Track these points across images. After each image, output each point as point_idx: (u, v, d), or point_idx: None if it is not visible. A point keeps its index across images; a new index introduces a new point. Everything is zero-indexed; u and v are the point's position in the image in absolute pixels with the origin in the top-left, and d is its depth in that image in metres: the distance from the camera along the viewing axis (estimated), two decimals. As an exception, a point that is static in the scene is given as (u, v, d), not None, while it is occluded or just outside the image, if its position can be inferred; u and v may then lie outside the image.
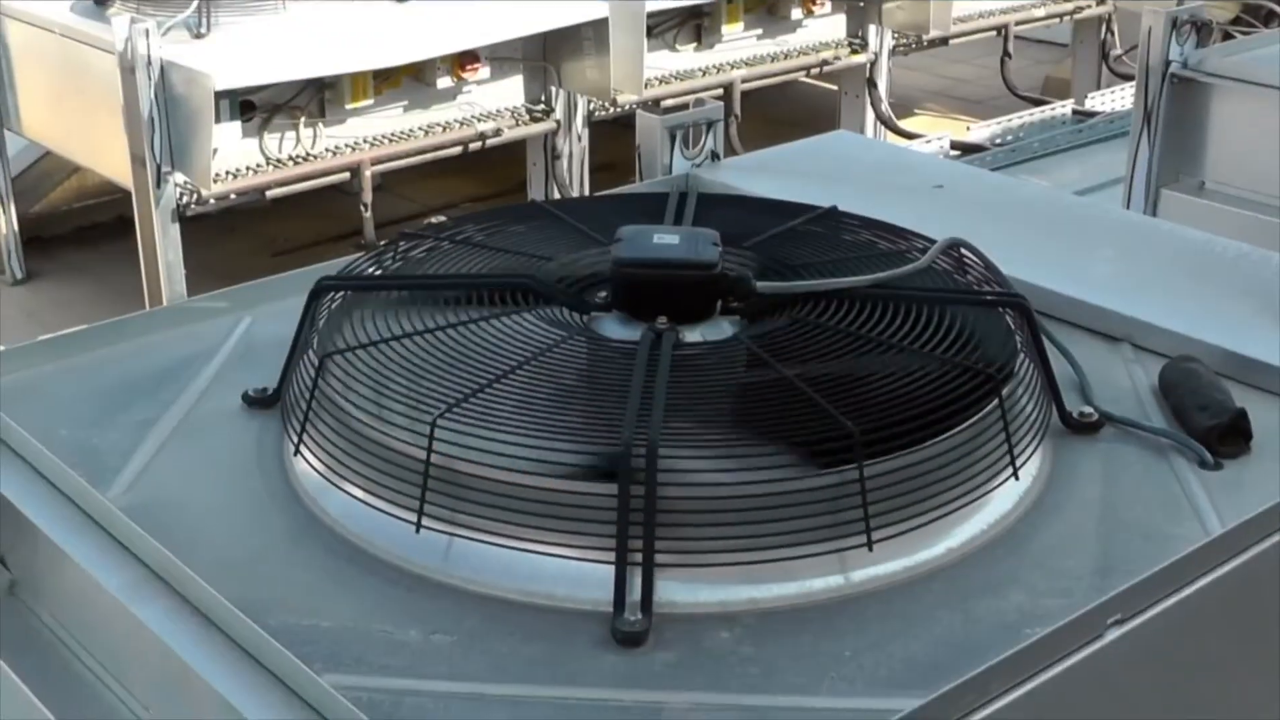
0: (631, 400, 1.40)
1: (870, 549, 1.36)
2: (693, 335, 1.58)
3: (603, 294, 1.66)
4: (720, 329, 1.60)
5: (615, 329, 1.60)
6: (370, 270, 1.77)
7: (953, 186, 2.30)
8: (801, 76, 6.52)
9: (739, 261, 1.73)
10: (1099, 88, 6.75)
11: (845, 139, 2.79)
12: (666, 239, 1.63)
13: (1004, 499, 1.48)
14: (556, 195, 5.61)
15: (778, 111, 7.14)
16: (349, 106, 5.06)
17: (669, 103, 5.69)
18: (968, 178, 2.44)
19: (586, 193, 5.61)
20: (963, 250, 1.78)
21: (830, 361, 1.50)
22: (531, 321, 1.60)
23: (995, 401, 1.48)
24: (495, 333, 1.57)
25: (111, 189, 5.52)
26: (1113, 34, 7.26)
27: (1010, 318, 1.66)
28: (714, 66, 6.10)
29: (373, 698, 1.23)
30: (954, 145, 5.22)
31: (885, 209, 1.94)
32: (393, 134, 5.22)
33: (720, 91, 5.96)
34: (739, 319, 1.62)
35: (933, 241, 1.77)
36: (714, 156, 2.35)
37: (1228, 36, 4.25)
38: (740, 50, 6.17)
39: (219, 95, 4.50)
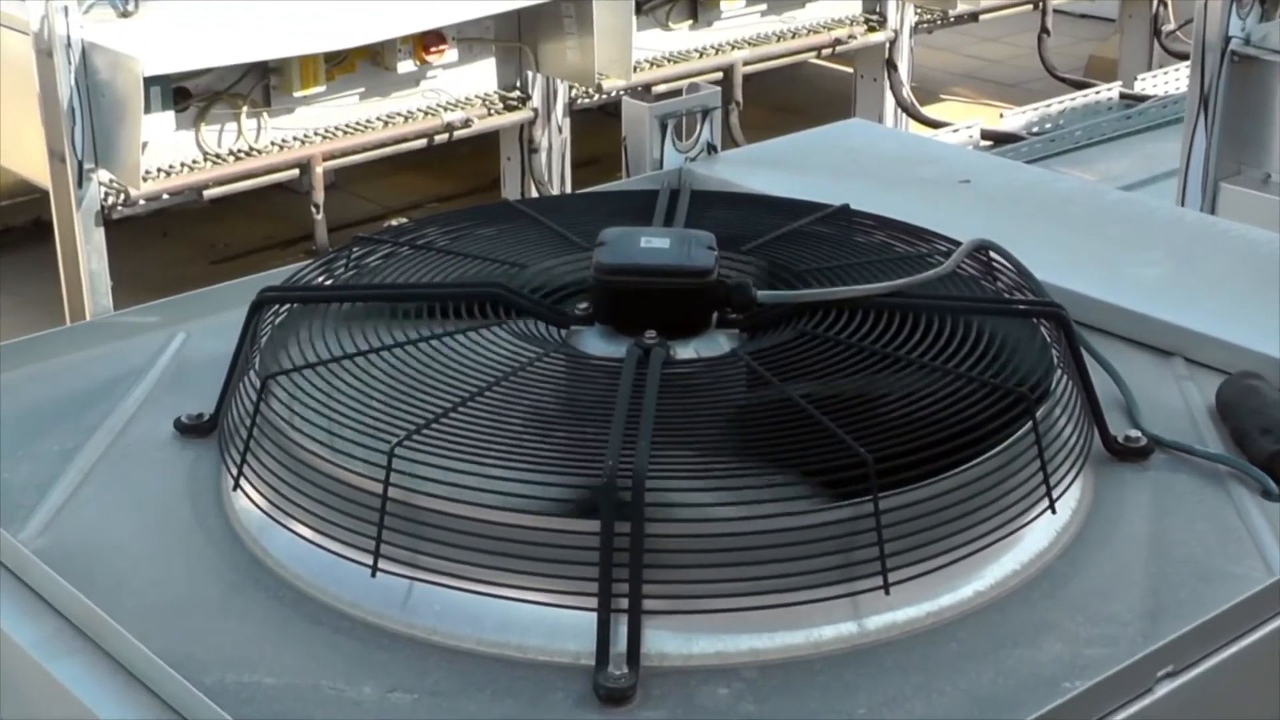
0: (615, 425, 1.40)
1: (887, 592, 1.37)
2: (685, 351, 1.58)
3: (583, 305, 1.67)
4: (716, 344, 1.61)
5: (597, 344, 1.61)
6: (319, 279, 1.78)
7: (981, 181, 2.31)
8: (811, 58, 6.55)
9: (738, 267, 1.74)
10: (1150, 68, 6.78)
11: (859, 128, 2.81)
12: (655, 242, 1.64)
13: (1039, 535, 1.49)
14: (534, 194, 5.62)
15: (784, 98, 7.16)
16: (297, 94, 5.07)
17: (661, 88, 5.70)
18: (998, 171, 2.45)
19: (567, 191, 5.62)
20: (991, 253, 1.79)
21: (841, 380, 1.51)
22: (502, 337, 1.61)
23: (1029, 424, 1.49)
24: (461, 350, 1.58)
25: (27, 189, 5.52)
26: (1165, 6, 7.29)
27: (1046, 329, 1.67)
28: (712, 47, 6.12)
29: (322, 765, 1.23)
30: (984, 135, 5.24)
31: (904, 207, 1.95)
32: (347, 125, 5.23)
33: (719, 75, 5.98)
34: (737, 333, 1.63)
35: (957, 243, 1.78)
36: (710, 149, 2.36)
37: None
38: (742, 28, 6.19)
39: (149, 82, 4.50)
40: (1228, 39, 3.49)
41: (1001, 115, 5.48)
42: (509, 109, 5.55)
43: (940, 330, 1.60)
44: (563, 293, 1.73)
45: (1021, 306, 1.71)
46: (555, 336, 1.65)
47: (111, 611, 1.37)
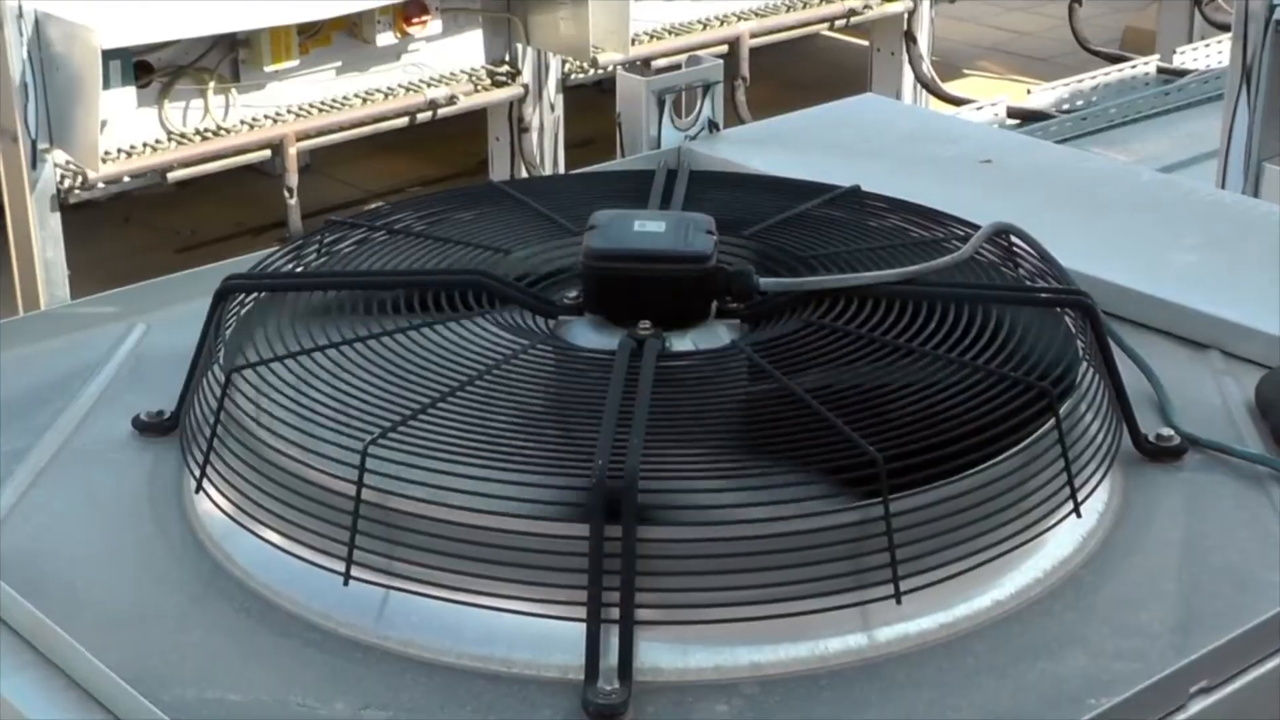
0: (606, 422, 1.41)
1: (898, 602, 1.37)
2: (682, 343, 1.59)
3: (572, 294, 1.68)
4: (715, 335, 1.62)
5: (587, 336, 1.62)
6: (288, 267, 1.78)
7: (1003, 161, 2.32)
8: (824, 30, 6.55)
9: (739, 253, 1.74)
10: (1190, 40, 6.78)
11: (872, 104, 2.82)
12: (650, 226, 1.65)
13: (1063, 540, 1.49)
14: (524, 176, 5.63)
15: (795, 73, 7.17)
16: (269, 69, 5.08)
17: (661, 63, 5.71)
18: (1022, 150, 2.46)
19: (560, 173, 5.63)
20: (1013, 238, 1.80)
21: (849, 374, 1.52)
22: (485, 328, 1.62)
23: (1051, 421, 1.50)
24: (440, 342, 1.58)
25: (-23, 171, 5.53)
26: (1207, -26, 7.29)
27: (1071, 320, 1.67)
28: (716, 18, 6.13)
29: (290, 787, 1.24)
30: (1011, 112, 5.23)
31: (920, 188, 1.96)
32: (323, 102, 5.24)
33: (724, 49, 5.98)
34: (738, 323, 1.64)
35: (976, 227, 1.79)
36: (712, 127, 2.37)
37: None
38: (749, -3, 6.20)
39: (108, 55, 4.51)
40: (1272, 8, 3.49)
41: (1029, 91, 5.47)
42: (497, 85, 5.56)
43: (957, 320, 1.60)
44: (550, 280, 1.73)
45: (1045, 295, 1.71)
46: (542, 327, 1.65)
47: (64, 623, 1.38)
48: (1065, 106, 5.21)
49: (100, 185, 4.80)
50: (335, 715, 1.30)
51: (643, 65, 5.57)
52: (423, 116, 5.38)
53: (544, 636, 1.35)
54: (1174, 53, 5.83)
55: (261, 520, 1.47)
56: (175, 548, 1.52)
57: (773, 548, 1.35)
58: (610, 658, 1.32)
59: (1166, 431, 1.66)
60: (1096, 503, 1.54)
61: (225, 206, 6.12)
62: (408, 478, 1.38)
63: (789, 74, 7.07)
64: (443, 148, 6.45)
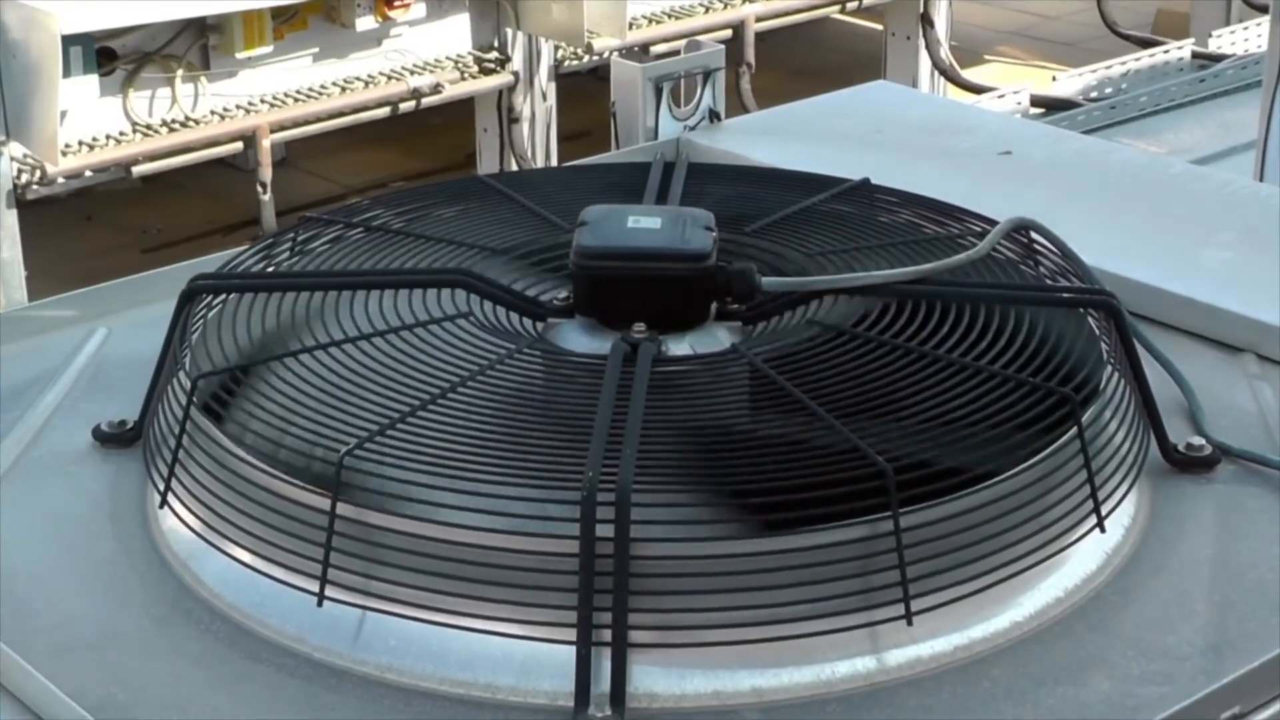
0: (598, 431, 1.41)
1: (910, 622, 1.37)
2: (678, 347, 1.59)
3: (562, 294, 1.68)
4: (715, 338, 1.62)
5: (578, 339, 1.62)
6: (258, 267, 1.78)
7: (1023, 152, 2.32)
8: (835, 13, 6.55)
9: (740, 251, 1.74)
10: (1227, 24, 6.79)
11: (884, 91, 2.82)
12: (645, 222, 1.65)
13: (1086, 557, 1.50)
14: (514, 170, 5.63)
15: (804, 60, 7.18)
16: (240, 55, 5.08)
17: (661, 49, 5.72)
18: (1044, 140, 2.46)
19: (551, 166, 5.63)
20: (1033, 234, 1.80)
21: (857, 380, 1.52)
22: (469, 331, 1.62)
23: (1074, 429, 1.50)
24: (421, 346, 1.59)
25: (-71, 166, 5.53)
26: (1244, -48, 7.30)
27: (1094, 321, 1.68)
28: (720, 1, 6.13)
29: (259, 821, 1.24)
30: (1034, 101, 5.23)
31: (934, 182, 1.97)
32: (298, 91, 5.24)
33: (728, 34, 5.98)
34: (739, 325, 1.64)
35: (994, 223, 1.79)
36: (713, 116, 2.37)
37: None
38: (755, -21, 6.21)
39: (68, 41, 4.51)
40: (1315, -14, 3.49)
41: (1054, 79, 5.47)
42: (485, 73, 5.56)
43: (972, 322, 1.61)
44: (539, 280, 1.73)
45: (1067, 295, 1.71)
46: (530, 330, 1.66)
47: (19, 648, 1.38)
48: (1093, 94, 5.21)
49: (60, 180, 4.81)
50: (308, 745, 1.31)
51: (640, 51, 5.60)
52: (405, 106, 5.39)
53: (531, 660, 1.35)
54: (1210, 36, 5.83)
55: (230, 537, 1.47)
56: (138, 567, 1.52)
57: (775, 565, 1.35)
58: (602, 683, 1.32)
59: (1197, 440, 1.66)
60: (1122, 516, 1.54)
61: (194, 203, 6.12)
62: (386, 491, 1.39)
63: (797, 60, 7.08)
64: (427, 140, 6.46)
